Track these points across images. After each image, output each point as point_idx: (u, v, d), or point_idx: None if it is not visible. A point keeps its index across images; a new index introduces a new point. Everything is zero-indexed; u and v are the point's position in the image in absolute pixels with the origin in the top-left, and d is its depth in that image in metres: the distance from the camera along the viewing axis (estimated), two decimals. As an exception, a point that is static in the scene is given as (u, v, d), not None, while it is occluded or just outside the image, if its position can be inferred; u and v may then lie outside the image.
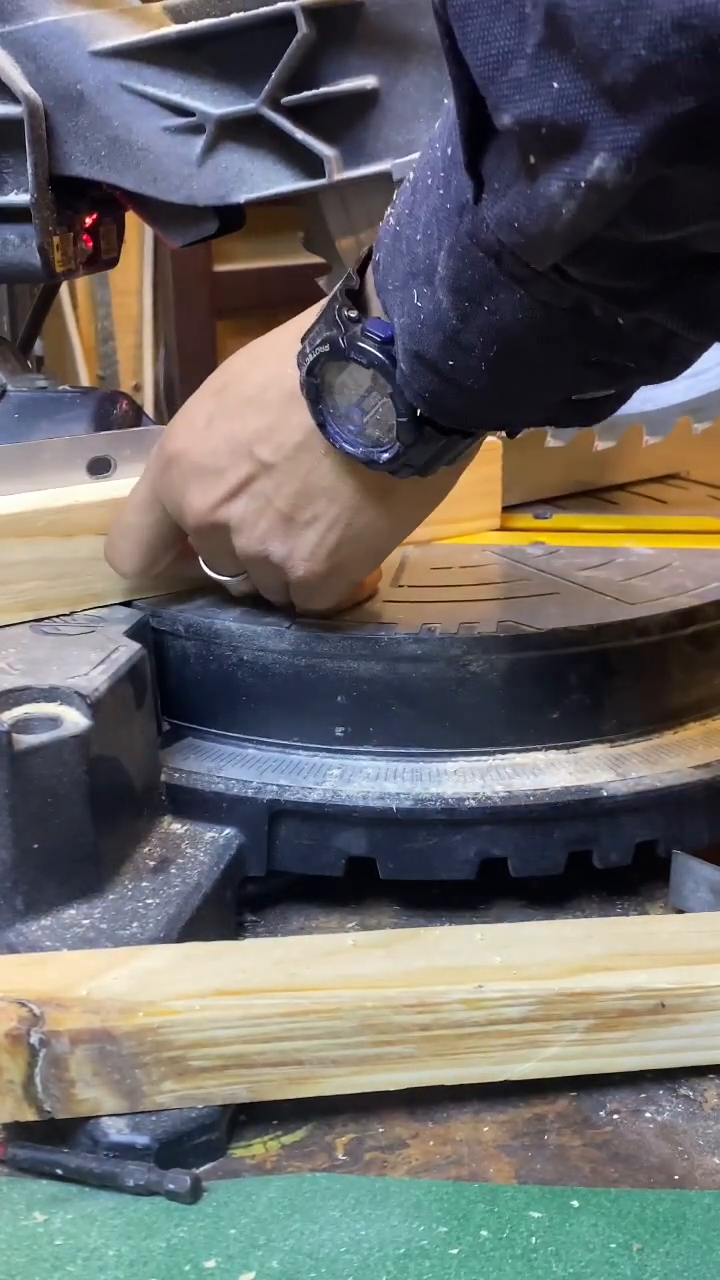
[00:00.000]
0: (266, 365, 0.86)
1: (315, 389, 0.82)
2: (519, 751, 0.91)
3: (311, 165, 1.00)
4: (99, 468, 0.98)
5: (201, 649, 0.93)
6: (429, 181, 0.73)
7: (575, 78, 0.56)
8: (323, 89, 0.98)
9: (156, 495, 0.91)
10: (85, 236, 1.08)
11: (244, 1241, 0.64)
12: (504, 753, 0.91)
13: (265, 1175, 0.69)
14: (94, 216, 1.09)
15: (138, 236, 2.78)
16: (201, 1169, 0.69)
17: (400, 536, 0.90)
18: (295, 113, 0.99)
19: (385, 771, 0.89)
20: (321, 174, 1.00)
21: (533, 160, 0.60)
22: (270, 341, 0.87)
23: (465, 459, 0.86)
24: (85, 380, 2.74)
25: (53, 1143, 0.69)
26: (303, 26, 0.96)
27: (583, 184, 0.58)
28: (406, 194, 0.76)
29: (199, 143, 1.00)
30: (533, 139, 0.59)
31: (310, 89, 0.98)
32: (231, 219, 1.06)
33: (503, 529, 1.14)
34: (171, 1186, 0.66)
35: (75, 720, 0.81)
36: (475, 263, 0.70)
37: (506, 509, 1.16)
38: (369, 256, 0.80)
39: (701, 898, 0.86)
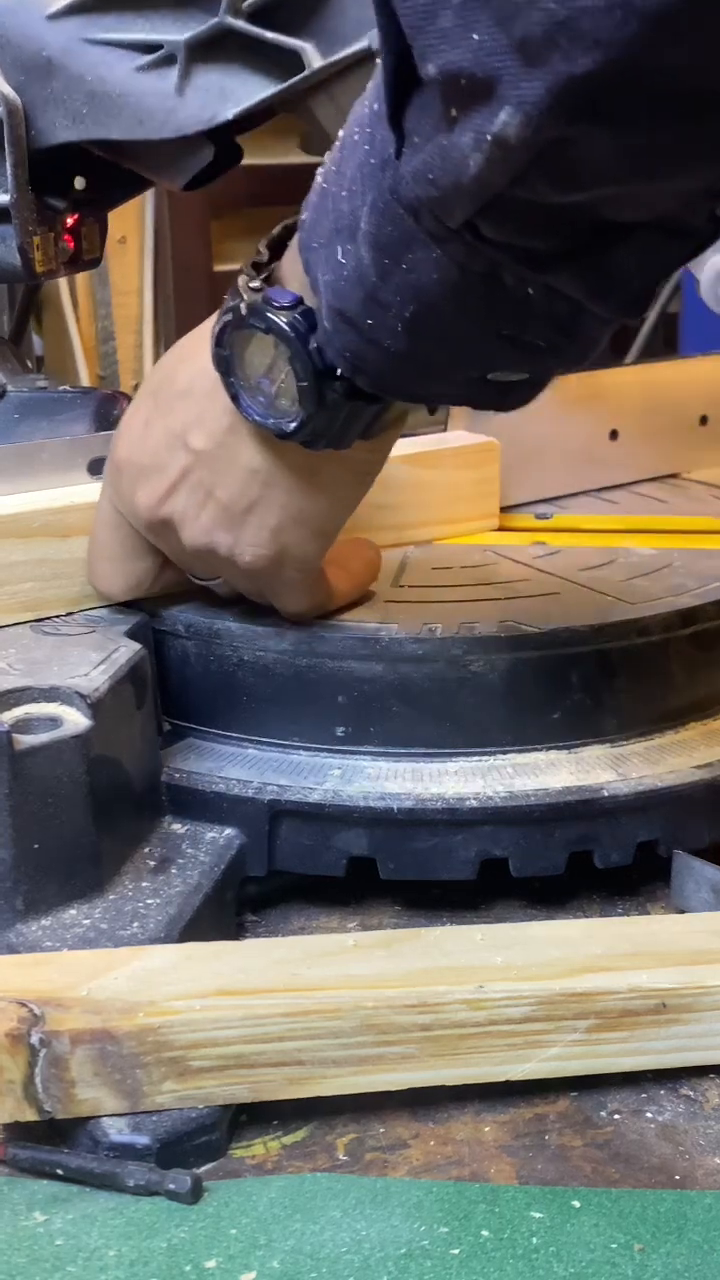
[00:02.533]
0: (194, 359, 0.87)
1: (225, 361, 0.83)
2: (520, 751, 0.91)
3: (290, 65, 0.99)
4: (99, 468, 0.98)
5: (202, 649, 0.93)
6: (356, 138, 0.74)
7: (493, 30, 0.58)
8: None
9: (116, 507, 0.91)
10: (66, 237, 1.08)
11: (245, 1242, 0.64)
12: (505, 753, 0.91)
13: (266, 1175, 0.69)
14: (75, 217, 1.09)
15: (138, 237, 2.78)
16: (202, 1169, 0.69)
17: (341, 516, 0.90)
18: (261, 17, 0.98)
19: (386, 772, 0.89)
20: (301, 70, 0.99)
21: (453, 112, 0.62)
22: (195, 336, 0.88)
23: (387, 435, 0.87)
24: (85, 380, 2.74)
25: (53, 1143, 0.69)
26: None
27: (489, 137, 0.60)
28: (335, 152, 0.77)
29: (174, 73, 0.99)
30: (453, 90, 0.61)
31: None
32: (227, 149, 1.05)
33: (503, 529, 1.14)
34: (172, 1187, 0.66)
35: (76, 720, 0.81)
36: (395, 219, 0.71)
37: (506, 509, 1.16)
38: (282, 232, 0.83)
39: (703, 898, 0.86)
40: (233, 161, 1.07)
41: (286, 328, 0.80)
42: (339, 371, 0.79)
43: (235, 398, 0.84)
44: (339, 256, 0.76)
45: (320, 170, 0.78)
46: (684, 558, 1.05)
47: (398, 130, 0.67)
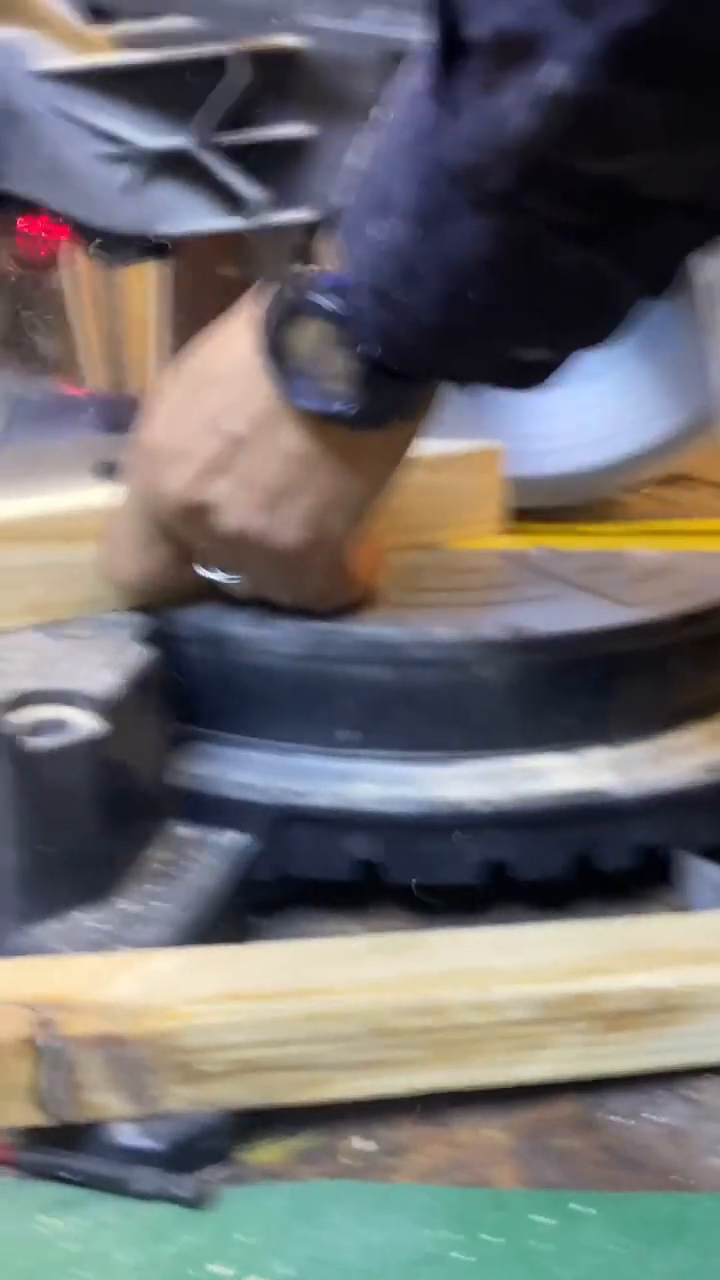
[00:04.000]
0: (229, 342, 0.87)
1: (272, 346, 0.84)
2: (524, 754, 0.91)
3: (240, 205, 1.00)
4: (108, 471, 0.98)
5: (209, 652, 0.93)
6: (394, 116, 0.75)
7: None
8: (257, 133, 0.99)
9: (140, 496, 0.91)
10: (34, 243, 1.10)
11: (252, 1247, 0.64)
12: (509, 756, 0.91)
13: (274, 1180, 0.69)
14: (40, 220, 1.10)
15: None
16: (210, 1174, 0.69)
17: (376, 496, 0.90)
18: (228, 153, 0.99)
19: (391, 775, 0.90)
20: (249, 214, 1.00)
21: (501, 74, 0.63)
22: (228, 324, 0.88)
23: (422, 414, 0.87)
24: (96, 384, 2.72)
25: (61, 1147, 0.69)
26: (241, 69, 0.96)
27: (537, 92, 0.61)
28: (374, 133, 0.78)
29: (130, 172, 1.01)
30: (502, 51, 0.62)
31: (245, 131, 0.99)
32: (157, 247, 1.07)
33: (507, 532, 1.14)
34: (180, 1192, 0.67)
35: (85, 724, 0.81)
36: (435, 189, 0.72)
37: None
38: (325, 216, 0.84)
39: (709, 898, 0.87)
40: (158, 255, 1.08)
41: (338, 311, 0.80)
42: (371, 357, 0.80)
43: (281, 382, 0.84)
44: (375, 232, 0.77)
45: (358, 152, 0.79)
46: (688, 560, 1.05)
47: (444, 99, 0.68)
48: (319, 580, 0.91)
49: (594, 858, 0.88)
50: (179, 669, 0.93)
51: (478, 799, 0.87)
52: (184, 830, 0.88)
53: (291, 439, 0.85)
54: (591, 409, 1.28)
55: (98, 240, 1.06)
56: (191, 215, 1.01)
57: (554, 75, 0.60)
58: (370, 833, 0.87)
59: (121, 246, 1.05)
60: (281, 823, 0.87)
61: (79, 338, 2.32)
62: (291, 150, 1.00)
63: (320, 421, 0.84)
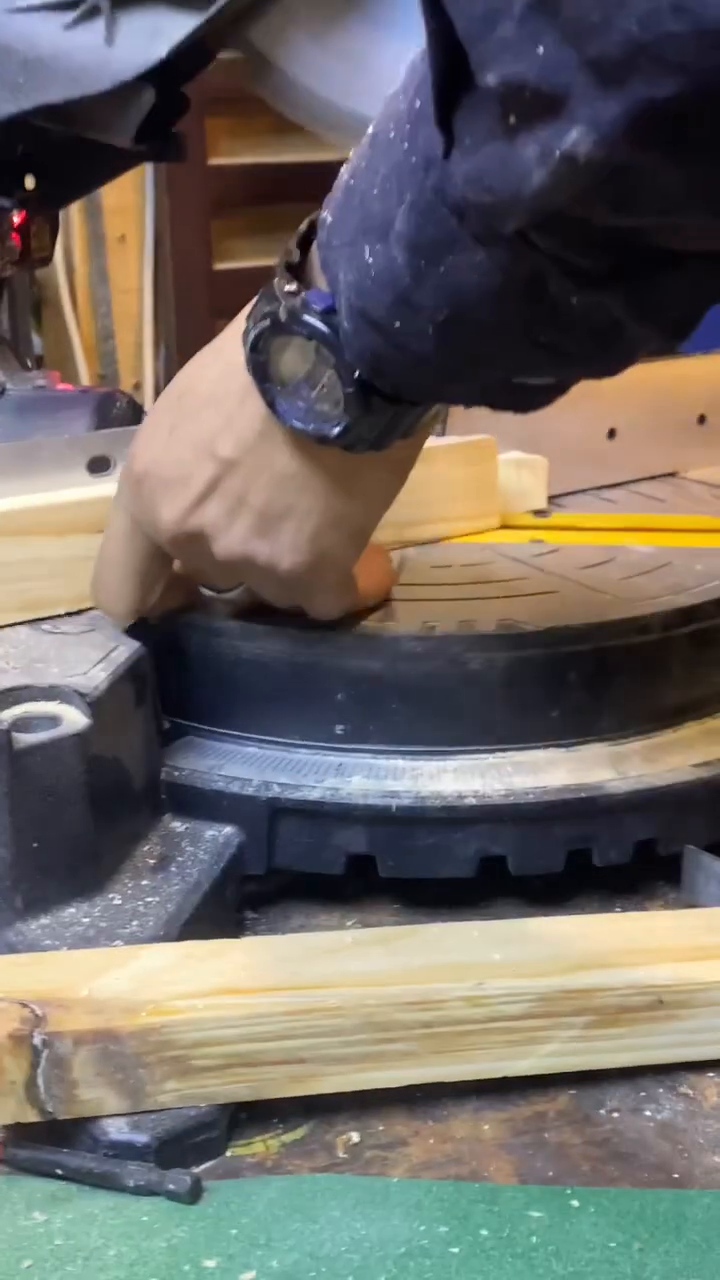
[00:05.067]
0: (219, 363, 0.85)
1: (261, 366, 0.81)
2: (519, 750, 0.91)
3: None
4: (98, 467, 0.98)
5: (202, 646, 0.93)
6: (391, 135, 0.72)
7: (561, 45, 0.56)
8: None
9: (134, 519, 0.89)
10: (14, 235, 1.08)
11: (244, 1241, 0.64)
12: (504, 751, 0.91)
13: (265, 1174, 0.69)
14: (23, 215, 1.09)
15: (138, 236, 2.79)
16: (201, 1168, 0.69)
17: (376, 516, 0.89)
18: None
19: (385, 769, 0.89)
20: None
21: (513, 120, 0.60)
22: (220, 341, 0.86)
23: (422, 432, 0.86)
24: (85, 379, 2.74)
25: (53, 1142, 0.69)
26: None
27: (557, 153, 0.58)
28: (364, 149, 0.75)
29: (102, 24, 0.99)
30: (515, 100, 0.59)
31: None
32: (171, 97, 1.05)
33: (502, 527, 1.14)
34: (171, 1186, 0.66)
35: (75, 719, 0.81)
36: (437, 220, 0.69)
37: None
38: (310, 229, 0.80)
39: (713, 892, 0.86)
40: (180, 111, 1.06)
41: (330, 333, 0.78)
42: (363, 377, 0.78)
43: (272, 404, 0.82)
44: (366, 256, 0.74)
45: (346, 167, 0.77)
46: (682, 556, 1.05)
47: (446, 131, 0.65)
48: (326, 597, 0.90)
49: (588, 853, 0.88)
50: (171, 662, 0.93)
51: (471, 793, 0.87)
52: (175, 824, 0.88)
53: (284, 461, 0.84)
54: None
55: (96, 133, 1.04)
56: (178, 26, 0.99)
57: (574, 139, 0.57)
58: (363, 827, 0.86)
59: (132, 103, 1.03)
60: (273, 816, 0.87)
61: (72, 333, 2.34)
62: None
63: (313, 442, 0.82)
